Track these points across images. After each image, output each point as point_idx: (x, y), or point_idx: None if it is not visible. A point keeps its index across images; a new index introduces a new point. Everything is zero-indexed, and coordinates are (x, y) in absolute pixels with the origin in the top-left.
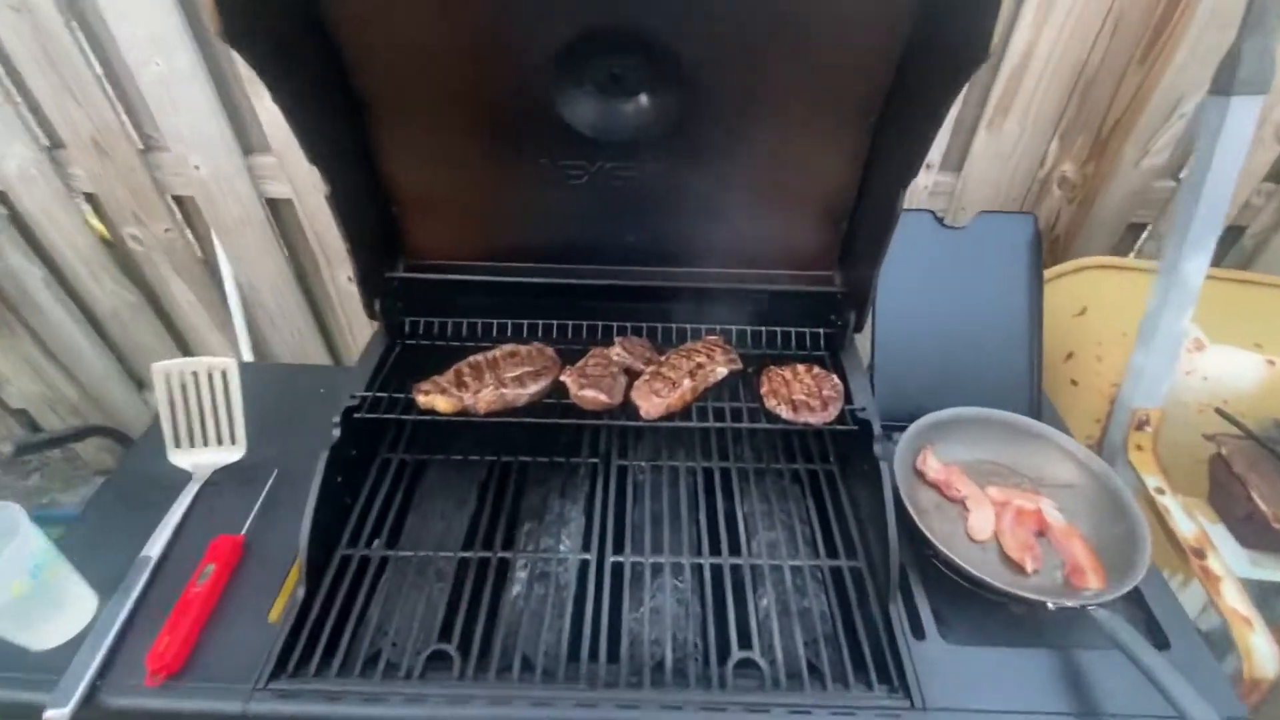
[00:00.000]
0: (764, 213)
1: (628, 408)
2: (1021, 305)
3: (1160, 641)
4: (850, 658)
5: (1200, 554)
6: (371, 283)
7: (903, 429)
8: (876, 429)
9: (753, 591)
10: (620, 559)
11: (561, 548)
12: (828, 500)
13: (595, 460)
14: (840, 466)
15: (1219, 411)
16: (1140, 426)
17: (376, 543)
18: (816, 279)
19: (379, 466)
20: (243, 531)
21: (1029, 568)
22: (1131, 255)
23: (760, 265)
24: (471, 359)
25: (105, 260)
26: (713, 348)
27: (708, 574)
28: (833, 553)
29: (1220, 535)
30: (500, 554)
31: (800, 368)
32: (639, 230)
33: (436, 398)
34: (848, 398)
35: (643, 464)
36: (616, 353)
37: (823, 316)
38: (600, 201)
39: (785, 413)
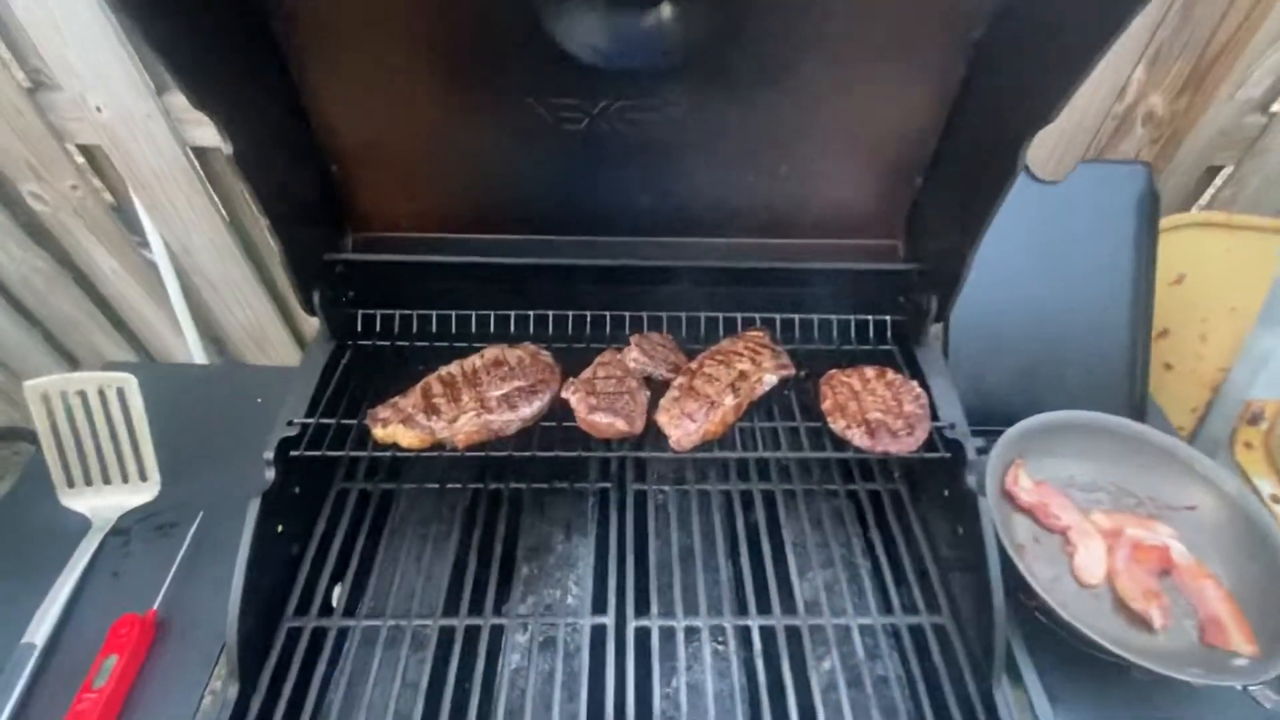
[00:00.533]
0: (817, 166)
1: (651, 430)
2: (1125, 278)
3: None
4: None
5: None
6: (307, 268)
7: (982, 433)
8: (970, 453)
9: (812, 651)
10: (645, 622)
11: (569, 600)
12: (895, 529)
13: (607, 485)
14: (909, 486)
15: None
16: (1254, 421)
17: (337, 592)
18: (878, 251)
19: (334, 499)
20: (155, 605)
21: (1156, 622)
22: (1198, 206)
23: (809, 234)
24: (444, 372)
25: (6, 223)
26: (758, 348)
27: (755, 635)
28: (909, 604)
29: None
30: (493, 620)
31: (870, 372)
32: (655, 191)
33: (398, 429)
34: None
35: (665, 488)
36: (633, 357)
37: (889, 300)
38: (605, 153)
39: (860, 439)
